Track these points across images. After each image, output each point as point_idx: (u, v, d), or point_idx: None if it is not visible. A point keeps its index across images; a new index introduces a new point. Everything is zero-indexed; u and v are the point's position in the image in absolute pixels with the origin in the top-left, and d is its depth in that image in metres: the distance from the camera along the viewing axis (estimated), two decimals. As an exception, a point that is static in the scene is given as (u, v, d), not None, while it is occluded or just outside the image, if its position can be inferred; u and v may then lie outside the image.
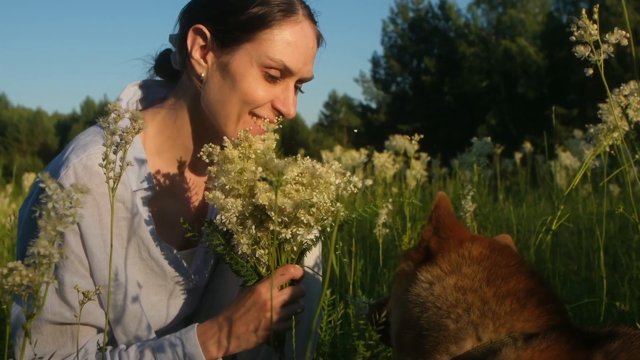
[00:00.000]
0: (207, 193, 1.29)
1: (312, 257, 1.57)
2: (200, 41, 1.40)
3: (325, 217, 1.25)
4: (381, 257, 2.66)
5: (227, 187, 1.27)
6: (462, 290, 1.06)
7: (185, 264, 1.49)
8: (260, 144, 1.29)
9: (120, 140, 1.00)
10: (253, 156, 1.27)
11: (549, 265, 2.66)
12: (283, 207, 1.22)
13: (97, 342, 1.32)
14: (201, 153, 1.31)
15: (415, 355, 1.07)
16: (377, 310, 1.33)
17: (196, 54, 1.41)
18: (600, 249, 2.03)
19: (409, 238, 2.44)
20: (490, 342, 1.00)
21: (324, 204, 1.21)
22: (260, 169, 1.24)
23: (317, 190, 1.21)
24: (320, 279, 1.61)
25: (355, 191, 1.25)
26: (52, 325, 1.29)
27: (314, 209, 1.22)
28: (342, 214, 1.25)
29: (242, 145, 1.29)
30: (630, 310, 2.04)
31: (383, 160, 5.27)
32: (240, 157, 1.27)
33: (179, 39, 1.45)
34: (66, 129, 49.06)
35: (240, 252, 1.30)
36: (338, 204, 1.23)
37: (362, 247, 3.31)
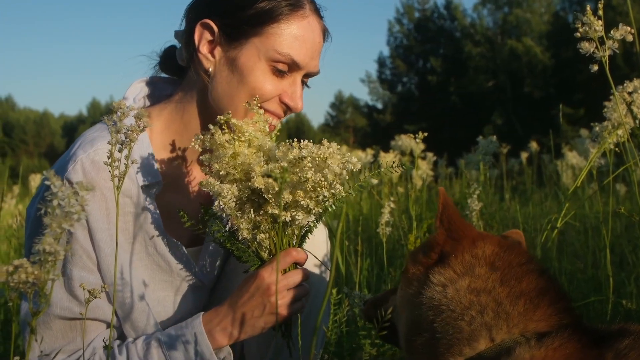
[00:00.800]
0: (202, 180, 1.28)
1: (320, 254, 1.57)
2: (207, 36, 1.41)
3: (326, 199, 1.23)
4: (385, 256, 2.65)
5: (221, 172, 1.26)
6: (475, 292, 1.05)
7: (191, 261, 1.49)
8: (251, 126, 1.29)
9: (126, 138, 1.01)
10: (243, 139, 1.27)
11: (556, 264, 2.65)
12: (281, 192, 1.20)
13: (104, 339, 1.32)
14: (192, 143, 1.30)
15: (428, 358, 1.07)
16: (374, 308, 1.32)
17: (204, 49, 1.41)
18: (606, 248, 2.01)
19: (415, 237, 2.43)
20: (501, 342, 0.99)
21: (325, 182, 1.20)
22: (260, 154, 1.23)
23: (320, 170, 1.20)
24: (328, 277, 1.60)
25: (353, 170, 1.24)
26: (61, 320, 1.29)
27: (318, 187, 1.21)
28: (342, 192, 1.24)
29: (231, 129, 1.28)
30: (637, 308, 2.03)
31: (389, 160, 5.25)
32: (228, 141, 1.26)
33: (186, 35, 1.46)
34: (72, 131, 49.16)
35: (240, 238, 1.28)
36: (338, 187, 1.21)
37: (368, 246, 3.31)
